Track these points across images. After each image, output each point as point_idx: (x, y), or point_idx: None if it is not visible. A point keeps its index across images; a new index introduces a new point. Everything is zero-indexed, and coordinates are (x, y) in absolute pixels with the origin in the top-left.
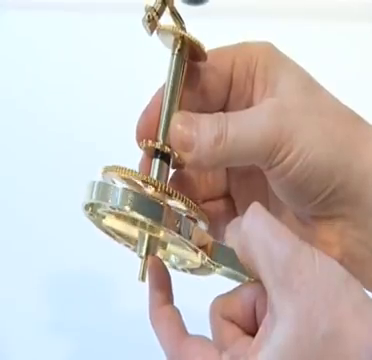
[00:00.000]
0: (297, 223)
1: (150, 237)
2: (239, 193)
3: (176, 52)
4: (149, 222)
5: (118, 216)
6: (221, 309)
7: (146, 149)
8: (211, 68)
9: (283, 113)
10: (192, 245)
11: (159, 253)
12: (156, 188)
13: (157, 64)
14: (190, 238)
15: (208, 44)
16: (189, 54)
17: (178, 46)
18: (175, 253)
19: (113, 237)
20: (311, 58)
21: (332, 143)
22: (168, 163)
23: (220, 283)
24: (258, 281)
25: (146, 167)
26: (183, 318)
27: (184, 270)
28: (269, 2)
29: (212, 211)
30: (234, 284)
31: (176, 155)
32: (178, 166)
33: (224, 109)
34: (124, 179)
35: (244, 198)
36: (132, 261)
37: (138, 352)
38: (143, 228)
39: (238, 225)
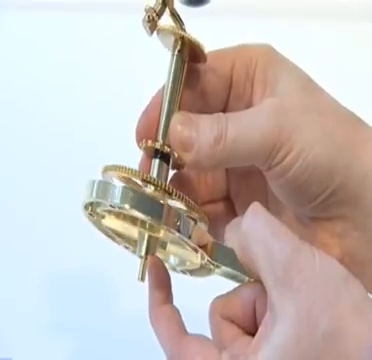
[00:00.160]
0: (297, 224)
1: (150, 237)
2: (239, 195)
3: (176, 53)
4: (149, 220)
5: (118, 215)
6: (221, 309)
7: (146, 149)
8: (211, 70)
9: (283, 113)
10: (192, 244)
11: (158, 254)
12: (156, 187)
13: (157, 64)
14: (190, 237)
15: (208, 45)
16: (189, 55)
17: (178, 47)
18: (175, 253)
19: (112, 238)
20: (311, 58)
21: (332, 144)
22: (168, 163)
23: (219, 284)
24: (258, 281)
25: (146, 167)
26: (183, 318)
27: (183, 272)
28: (269, 2)
29: (212, 213)
30: (233, 285)
31: (176, 155)
32: (178, 166)
33: (224, 111)
34: (124, 178)
35: (244, 200)
36: (132, 261)
37: (138, 352)
38: (143, 227)
39: (238, 225)
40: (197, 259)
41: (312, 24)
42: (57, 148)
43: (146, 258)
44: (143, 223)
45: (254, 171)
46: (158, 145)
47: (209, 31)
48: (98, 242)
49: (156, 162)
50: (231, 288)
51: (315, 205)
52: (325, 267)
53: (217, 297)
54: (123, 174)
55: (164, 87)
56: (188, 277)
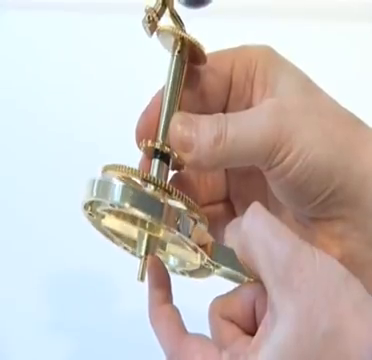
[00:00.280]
0: (296, 226)
1: (149, 236)
2: (238, 197)
3: (176, 53)
4: (149, 219)
5: (118, 215)
6: (220, 309)
7: (146, 149)
8: (210, 71)
9: (282, 113)
10: (192, 244)
11: (158, 255)
12: (156, 186)
13: (157, 65)
14: (190, 236)
15: (208, 45)
16: (189, 56)
17: (178, 47)
18: (174, 254)
19: (111, 239)
20: (311, 58)
21: (332, 144)
22: (168, 163)
23: (219, 284)
24: (258, 281)
25: (146, 168)
26: (182, 318)
27: (183, 273)
28: (269, 2)
29: (211, 215)
30: (233, 285)
31: (175, 155)
32: (177, 167)
33: (223, 112)
34: (124, 177)
35: (244, 202)
36: (132, 261)
37: (138, 352)
38: (143, 227)
39: (238, 225)
40: (197, 259)
41: (312, 24)
42: (57, 148)
43: (146, 258)
44: (143, 223)
45: (254, 173)
46: (158, 145)
47: (209, 31)
48: (98, 242)
49: (156, 162)
50: (231, 288)
51: (315, 206)
52: (325, 266)
53: (217, 297)
54: (123, 173)
55: (164, 88)
56: (187, 278)
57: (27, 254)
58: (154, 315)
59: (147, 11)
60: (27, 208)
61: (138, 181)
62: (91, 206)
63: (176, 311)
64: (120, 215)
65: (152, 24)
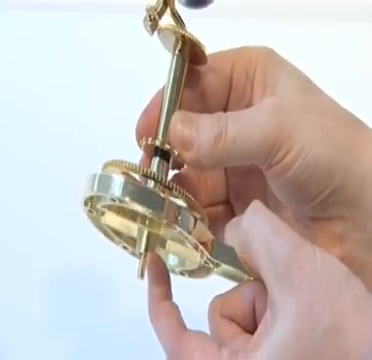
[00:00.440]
0: (296, 225)
1: (149, 233)
2: (238, 198)
3: (177, 52)
4: (149, 214)
5: (118, 211)
6: (220, 308)
7: (146, 147)
8: (211, 71)
9: (283, 112)
10: (192, 240)
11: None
12: (156, 182)
13: (157, 64)
14: (190, 232)
15: (209, 45)
16: (189, 56)
17: (179, 46)
18: (174, 252)
19: (111, 238)
20: (311, 58)
21: (332, 144)
22: (168, 162)
23: (218, 283)
24: (257, 280)
25: (146, 166)
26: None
27: (182, 273)
28: (269, 2)
29: (211, 216)
30: (232, 285)
31: (176, 153)
32: (177, 166)
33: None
34: (124, 174)
35: (243, 203)
36: (132, 261)
37: (138, 352)
38: (143, 224)
39: (237, 224)
40: (197, 258)
41: (312, 24)
42: (57, 148)
43: (145, 255)
44: (143, 219)
45: (253, 174)
46: (158, 142)
47: (210, 31)
48: (98, 242)
49: (156, 160)
50: (229, 288)
51: (315, 205)
52: (326, 264)
53: (216, 296)
54: (123, 169)
55: (164, 87)
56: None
57: (27, 254)
58: (154, 312)
59: (148, 10)
60: (27, 208)
61: (138, 178)
62: (91, 202)
63: (176, 308)
64: (120, 211)
65: (153, 23)
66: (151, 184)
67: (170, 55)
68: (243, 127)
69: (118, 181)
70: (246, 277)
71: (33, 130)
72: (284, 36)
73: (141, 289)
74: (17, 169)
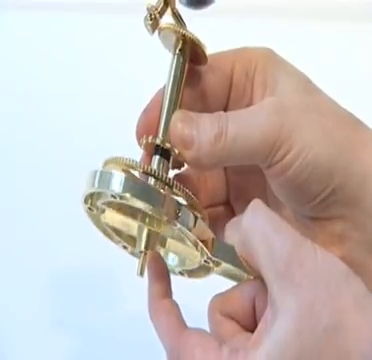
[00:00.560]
0: (296, 226)
1: (150, 231)
2: (238, 199)
3: (177, 52)
4: (150, 210)
5: (118, 209)
6: (220, 306)
7: (146, 146)
8: (211, 72)
9: (283, 111)
10: (192, 237)
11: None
12: (156, 179)
13: (157, 64)
14: (190, 230)
15: (209, 45)
16: (190, 56)
17: (179, 46)
18: (174, 251)
19: (111, 237)
20: (311, 58)
21: (332, 144)
22: (168, 160)
23: (218, 282)
24: (258, 278)
25: (146, 164)
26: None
27: (182, 273)
28: (269, 2)
29: (211, 217)
30: (232, 284)
31: (176, 152)
32: (177, 166)
33: None
34: (125, 171)
35: (243, 203)
36: (133, 261)
37: (139, 352)
38: (143, 221)
39: (238, 223)
40: (197, 256)
41: (312, 24)
42: (57, 148)
43: (145, 253)
44: (143, 217)
45: (253, 174)
46: (159, 141)
47: (210, 31)
48: (99, 242)
49: (156, 158)
50: (230, 287)
51: (315, 205)
52: (326, 262)
53: (216, 295)
54: (124, 166)
55: (165, 86)
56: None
57: (28, 254)
58: (154, 309)
59: (149, 9)
60: (27, 208)
61: (138, 175)
62: (91, 199)
63: (176, 305)
64: (120, 209)
65: (154, 22)
66: (152, 181)
67: (170, 55)
68: (243, 126)
69: (119, 177)
70: (246, 276)
71: (33, 130)
72: (284, 36)
73: (141, 289)
74: (17, 169)
